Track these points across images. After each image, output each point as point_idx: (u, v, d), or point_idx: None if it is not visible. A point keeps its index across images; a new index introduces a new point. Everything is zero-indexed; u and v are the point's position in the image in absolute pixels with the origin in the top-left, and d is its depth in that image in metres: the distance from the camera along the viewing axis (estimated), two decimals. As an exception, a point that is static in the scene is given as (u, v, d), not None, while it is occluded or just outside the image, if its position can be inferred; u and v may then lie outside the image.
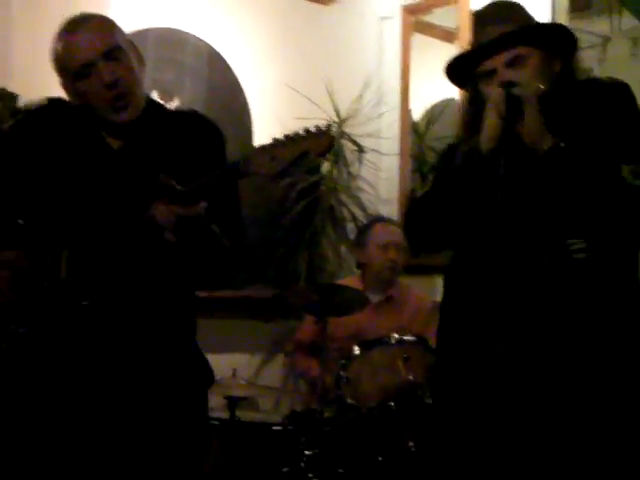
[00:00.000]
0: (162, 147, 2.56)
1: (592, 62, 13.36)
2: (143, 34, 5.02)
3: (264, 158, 2.23)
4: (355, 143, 5.59)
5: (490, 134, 2.51)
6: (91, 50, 2.48)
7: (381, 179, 5.69)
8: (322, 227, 5.44)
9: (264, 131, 5.52)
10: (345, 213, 5.53)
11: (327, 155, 5.30)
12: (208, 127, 2.69)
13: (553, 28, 2.75)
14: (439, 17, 5.85)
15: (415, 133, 5.81)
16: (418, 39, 5.85)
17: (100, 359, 2.46)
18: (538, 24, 2.73)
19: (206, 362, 2.68)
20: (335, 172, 5.58)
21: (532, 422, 2.48)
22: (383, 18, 5.90)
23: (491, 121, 2.51)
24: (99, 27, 2.55)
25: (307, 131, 2.27)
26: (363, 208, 5.50)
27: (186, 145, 2.57)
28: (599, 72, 12.53)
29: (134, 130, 2.56)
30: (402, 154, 5.66)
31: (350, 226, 5.47)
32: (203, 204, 2.28)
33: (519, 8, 2.73)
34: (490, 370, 2.53)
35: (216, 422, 4.14)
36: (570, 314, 2.50)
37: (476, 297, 2.60)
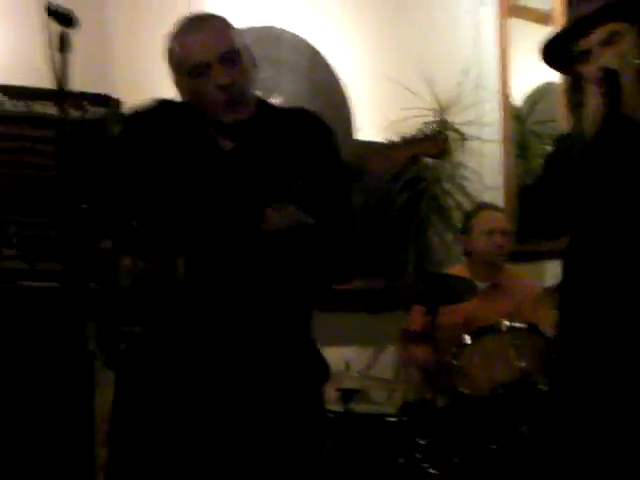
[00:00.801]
0: (274, 147, 2.56)
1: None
2: (241, 33, 5.09)
3: (380, 159, 2.27)
4: (457, 131, 5.57)
5: (593, 117, 2.49)
6: (208, 51, 2.50)
7: (484, 166, 5.67)
8: (428, 217, 5.45)
9: (365, 124, 5.57)
10: (450, 202, 5.53)
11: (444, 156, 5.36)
12: (319, 124, 2.67)
13: None
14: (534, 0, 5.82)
15: (516, 118, 5.77)
16: (514, 23, 5.81)
17: (218, 358, 2.50)
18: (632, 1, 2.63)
19: (322, 358, 2.69)
20: (438, 161, 5.57)
21: None
22: (480, 4, 5.87)
23: (592, 103, 2.49)
24: (217, 28, 2.57)
25: (423, 134, 2.30)
26: (468, 196, 5.49)
27: (298, 144, 2.56)
28: None
29: (245, 130, 2.57)
30: (504, 140, 5.64)
31: (456, 214, 5.46)
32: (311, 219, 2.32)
33: None
34: (612, 358, 2.50)
35: (331, 415, 4.18)
36: None
37: (596, 282, 2.57)
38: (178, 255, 2.48)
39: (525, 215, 2.80)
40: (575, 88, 2.68)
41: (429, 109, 5.56)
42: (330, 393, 4.15)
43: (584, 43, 2.59)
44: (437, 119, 5.54)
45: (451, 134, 5.57)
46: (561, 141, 2.80)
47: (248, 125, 2.56)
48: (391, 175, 2.32)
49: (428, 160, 5.40)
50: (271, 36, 5.43)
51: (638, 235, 2.52)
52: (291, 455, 2.54)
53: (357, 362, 5.04)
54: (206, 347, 2.50)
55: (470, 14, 5.91)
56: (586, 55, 2.59)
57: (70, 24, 2.41)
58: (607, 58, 2.53)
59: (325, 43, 5.60)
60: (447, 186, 5.55)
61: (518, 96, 5.82)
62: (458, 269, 4.83)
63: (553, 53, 2.72)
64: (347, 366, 4.32)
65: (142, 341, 2.52)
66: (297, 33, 5.52)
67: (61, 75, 2.42)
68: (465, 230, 4.88)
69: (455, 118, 5.58)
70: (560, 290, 2.77)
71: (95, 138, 4.30)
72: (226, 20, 2.63)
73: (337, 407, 4.20)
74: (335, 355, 4.25)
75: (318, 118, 2.70)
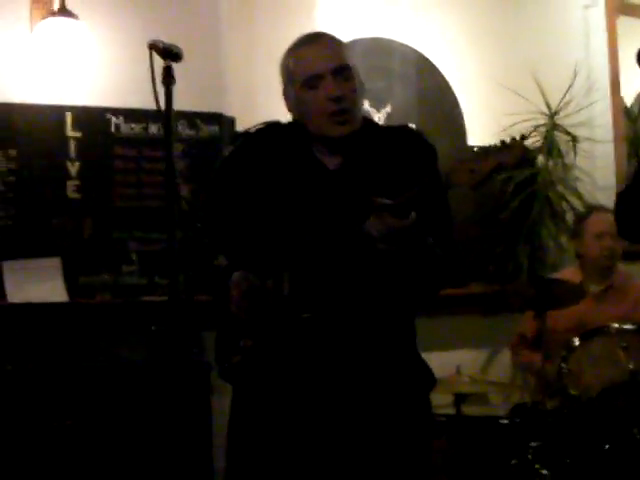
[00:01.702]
0: (377, 164, 2.65)
1: None
2: (351, 45, 5.20)
3: (464, 171, 2.37)
4: (568, 133, 5.59)
5: None
6: (323, 63, 2.63)
7: (597, 167, 5.67)
8: (540, 219, 5.48)
9: (477, 129, 5.63)
10: (563, 204, 5.55)
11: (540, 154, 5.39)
12: (421, 142, 2.75)
13: None
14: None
15: (628, 118, 5.75)
16: (624, 22, 5.79)
17: (327, 371, 2.60)
18: None
19: (426, 366, 2.77)
20: (550, 164, 5.61)
21: None
22: (586, 6, 5.87)
23: None
24: (331, 44, 2.71)
25: (502, 143, 2.37)
26: (581, 197, 5.50)
27: (400, 161, 2.64)
28: None
29: (351, 146, 2.67)
30: (616, 140, 5.62)
31: (569, 216, 5.48)
32: (413, 215, 2.38)
33: None
34: None
35: (443, 418, 4.28)
36: None
37: None
38: (284, 270, 2.59)
39: (618, 219, 2.82)
40: None
41: (539, 112, 5.60)
42: (443, 397, 4.26)
43: None
44: (547, 122, 5.59)
45: (562, 137, 5.61)
46: None
47: (354, 141, 2.66)
48: (476, 183, 2.37)
49: (541, 162, 5.49)
50: (380, 47, 5.53)
51: None
52: (401, 463, 2.62)
53: (473, 365, 5.13)
54: (315, 360, 2.61)
55: (579, 16, 5.91)
56: None
57: (175, 58, 2.55)
58: None
59: (433, 51, 5.68)
60: (560, 188, 5.57)
61: (629, 95, 5.80)
62: (571, 272, 4.86)
63: None
64: (458, 370, 4.39)
65: (254, 354, 2.64)
66: (405, 42, 5.61)
67: (166, 104, 2.56)
68: (576, 233, 4.91)
69: (566, 120, 5.60)
70: None
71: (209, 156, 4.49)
72: (339, 39, 2.76)
73: (450, 410, 4.29)
74: (449, 359, 4.39)
75: (421, 136, 2.80)
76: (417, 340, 2.77)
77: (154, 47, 2.52)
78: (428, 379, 2.77)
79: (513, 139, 2.37)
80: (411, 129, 2.96)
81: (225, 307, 2.65)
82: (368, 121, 2.79)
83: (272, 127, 2.82)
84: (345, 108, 2.62)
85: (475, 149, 2.45)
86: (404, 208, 2.37)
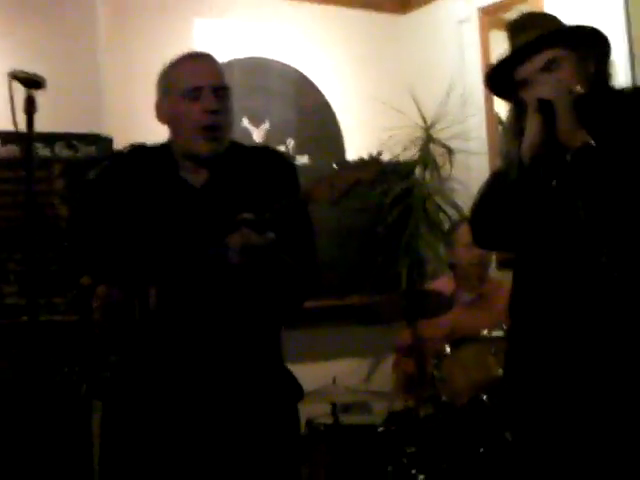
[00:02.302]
0: (241, 183, 2.76)
1: None
2: (229, 65, 5.29)
3: (324, 187, 2.48)
4: (444, 146, 5.73)
5: (531, 142, 2.57)
6: (205, 78, 2.74)
7: (472, 178, 5.77)
8: (418, 230, 5.61)
9: (356, 144, 5.75)
10: (440, 215, 5.69)
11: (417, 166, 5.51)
12: (281, 162, 2.92)
13: (585, 30, 2.71)
14: (517, 13, 5.91)
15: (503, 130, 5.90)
16: (497, 36, 5.93)
17: (192, 383, 2.66)
18: (569, 26, 2.72)
19: (293, 379, 2.85)
20: (427, 176, 5.75)
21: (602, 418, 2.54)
22: (461, 21, 6.02)
23: (531, 130, 2.57)
24: (215, 64, 2.83)
25: (359, 159, 2.48)
26: (457, 208, 5.63)
27: (262, 180, 2.77)
28: None
29: (216, 164, 2.77)
30: (491, 152, 5.75)
31: (446, 227, 5.61)
32: (271, 234, 2.50)
33: (552, 17, 2.79)
34: (560, 364, 2.63)
35: (322, 427, 4.37)
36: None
37: (542, 302, 2.69)
38: (150, 285, 2.65)
39: (472, 228, 2.90)
40: (517, 115, 2.75)
41: (416, 126, 5.74)
42: (323, 407, 4.36)
43: (524, 71, 2.66)
44: (424, 135, 5.73)
45: (438, 149, 5.76)
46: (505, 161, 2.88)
47: (220, 159, 2.77)
48: (335, 198, 2.48)
49: (417, 175, 5.62)
50: (259, 66, 5.65)
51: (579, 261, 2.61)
52: (269, 472, 2.71)
53: (355, 375, 5.24)
54: (181, 373, 2.67)
55: (453, 32, 6.05)
56: (526, 82, 2.67)
57: (37, 86, 2.61)
58: (542, 88, 2.60)
59: (313, 69, 5.81)
60: (436, 200, 5.71)
61: (503, 108, 5.93)
62: (444, 282, 4.99)
63: (497, 82, 2.80)
64: (334, 380, 4.47)
65: (121, 369, 2.69)
66: (284, 61, 5.72)
67: (27, 130, 2.61)
68: (448, 243, 5.04)
69: (442, 133, 5.75)
70: (510, 299, 2.88)
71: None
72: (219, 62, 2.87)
73: (328, 420, 4.38)
74: (329, 369, 4.47)
75: (282, 156, 3.01)
76: (295, 351, 2.85)
77: (15, 76, 2.58)
78: (294, 390, 2.85)
79: (370, 156, 2.48)
80: (273, 149, 3.10)
81: (90, 324, 2.70)
82: (234, 142, 2.88)
83: (137, 149, 2.91)
84: (219, 124, 2.73)
85: (334, 165, 2.56)
86: (264, 224, 2.48)
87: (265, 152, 2.98)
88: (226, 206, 2.66)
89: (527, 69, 2.67)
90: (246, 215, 2.50)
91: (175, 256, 2.65)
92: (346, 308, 5.36)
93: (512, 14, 5.91)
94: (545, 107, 2.55)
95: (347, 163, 2.56)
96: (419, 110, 5.76)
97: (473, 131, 5.80)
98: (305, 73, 5.79)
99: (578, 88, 2.58)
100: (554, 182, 2.59)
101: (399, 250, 5.58)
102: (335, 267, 5.44)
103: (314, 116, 5.77)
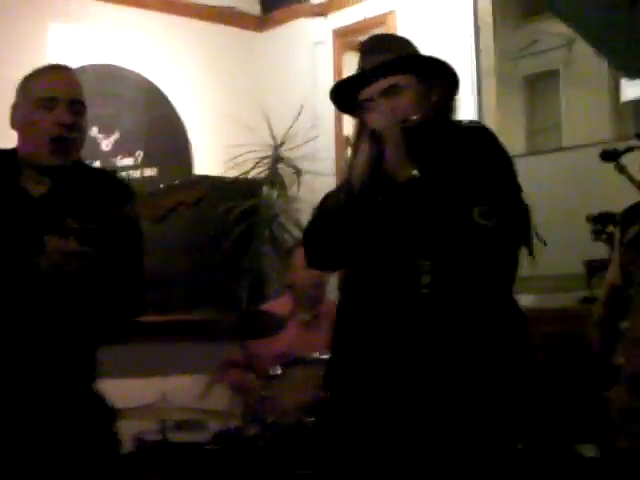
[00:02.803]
0: (78, 199, 2.73)
1: (558, 64, 13.32)
2: (80, 70, 5.21)
3: (149, 205, 2.48)
4: (292, 166, 5.76)
5: (359, 170, 2.58)
6: (64, 90, 2.72)
7: (319, 199, 5.83)
8: (261, 250, 5.62)
9: (206, 159, 5.74)
10: (285, 235, 5.70)
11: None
12: (114, 182, 2.94)
13: (432, 60, 2.71)
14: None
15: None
16: (352, 58, 5.99)
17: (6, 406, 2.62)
18: (417, 55, 2.74)
19: (104, 401, 2.81)
20: (274, 195, 5.76)
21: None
22: (316, 43, 6.07)
23: (360, 157, 2.59)
24: (73, 77, 2.81)
25: (183, 181, 2.49)
26: (302, 229, 5.64)
27: (98, 200, 2.72)
28: (566, 73, 12.51)
29: (58, 176, 2.74)
30: (338, 174, 5.80)
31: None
32: (89, 248, 2.49)
33: (405, 41, 2.79)
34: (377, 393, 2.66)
35: (150, 445, 4.33)
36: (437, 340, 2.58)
37: (363, 320, 2.71)
38: None
39: (304, 246, 2.91)
40: (359, 135, 2.72)
41: (266, 144, 5.76)
42: (151, 424, 4.32)
43: (365, 94, 2.66)
44: (272, 154, 5.75)
45: (287, 169, 5.78)
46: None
47: (62, 172, 2.74)
48: (158, 217, 2.49)
49: (264, 193, 5.64)
50: (110, 73, 5.59)
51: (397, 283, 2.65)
52: None
53: (189, 392, 5.19)
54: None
55: (308, 53, 6.10)
56: (366, 106, 2.67)
57: None
58: (375, 116, 2.61)
59: (166, 80, 5.77)
60: (282, 219, 5.73)
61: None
62: (282, 302, 4.98)
63: (342, 99, 2.79)
64: (164, 397, 4.45)
65: None
66: (137, 71, 5.67)
67: None
68: (286, 264, 5.05)
69: (291, 153, 5.78)
70: (337, 314, 2.89)
71: None
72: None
73: (156, 437, 4.34)
74: (160, 385, 4.43)
75: (115, 176, 3.07)
76: (127, 365, 2.81)
77: None
78: (107, 412, 2.82)
79: (198, 177, 2.48)
80: (106, 171, 3.17)
81: None
82: (78, 161, 2.86)
83: None
84: (69, 138, 2.71)
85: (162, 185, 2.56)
86: (88, 234, 2.47)
87: (104, 175, 3.01)
88: (60, 218, 2.61)
89: (368, 92, 2.66)
90: (71, 222, 2.49)
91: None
92: (184, 324, 5.33)
93: (366, 37, 6.01)
94: (375, 136, 2.57)
95: (173, 185, 2.56)
96: (270, 129, 5.77)
97: (322, 152, 5.85)
98: (157, 84, 5.75)
99: (414, 118, 2.59)
100: (381, 204, 2.62)
101: (242, 268, 5.57)
102: (174, 284, 5.42)
103: (164, 128, 5.74)
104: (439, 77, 2.70)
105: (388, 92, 2.64)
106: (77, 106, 2.74)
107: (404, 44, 2.78)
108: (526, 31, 13.66)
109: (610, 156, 3.66)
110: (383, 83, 2.64)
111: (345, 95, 2.77)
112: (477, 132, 2.72)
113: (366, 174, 2.59)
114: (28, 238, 2.60)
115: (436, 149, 2.60)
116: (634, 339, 3.55)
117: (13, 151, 2.81)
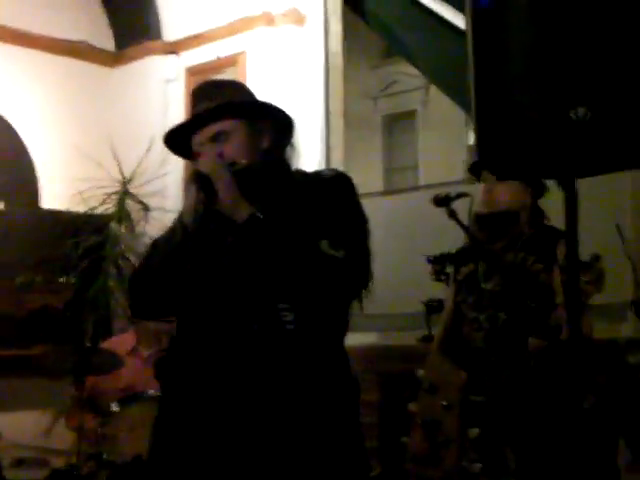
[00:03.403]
0: None
1: (416, 104, 13.62)
2: None
3: None
4: (140, 202, 5.75)
5: (190, 212, 2.60)
6: None
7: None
8: (107, 285, 5.58)
9: (53, 192, 5.69)
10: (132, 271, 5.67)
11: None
12: None
13: (262, 104, 2.75)
14: (227, 76, 6.05)
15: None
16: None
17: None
18: (245, 100, 2.76)
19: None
20: (121, 231, 5.74)
21: None
22: (167, 80, 6.10)
23: (187, 201, 2.55)
24: None
25: None
26: (149, 265, 5.64)
27: None
28: (423, 114, 12.84)
29: None
30: (186, 210, 5.81)
31: (138, 283, 5.60)
32: None
33: (238, 86, 2.84)
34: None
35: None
36: (278, 381, 2.64)
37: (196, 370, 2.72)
38: None
39: (131, 298, 2.88)
40: (190, 178, 2.80)
41: (115, 180, 5.74)
42: None
43: (196, 139, 2.67)
44: (121, 190, 5.74)
45: (135, 205, 5.77)
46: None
47: None
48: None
49: (112, 229, 5.61)
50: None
51: (233, 325, 2.66)
52: None
53: (35, 428, 5.11)
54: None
55: (160, 90, 6.13)
56: (197, 150, 2.66)
57: None
58: (203, 161, 2.61)
59: (14, 111, 5.72)
60: (129, 255, 5.70)
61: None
62: (125, 337, 4.96)
63: (175, 144, 2.86)
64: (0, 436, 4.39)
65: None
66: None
67: None
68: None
69: (140, 189, 5.77)
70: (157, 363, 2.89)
71: None
72: None
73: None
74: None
75: None
76: None
77: None
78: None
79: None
80: None
81: None
82: None
83: None
84: None
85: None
86: None
87: None
88: None
89: (197, 139, 2.71)
90: None
91: None
92: (22, 360, 5.24)
93: (220, 75, 6.07)
94: (203, 180, 2.60)
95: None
96: (118, 164, 5.75)
97: (171, 189, 5.86)
98: (4, 115, 5.68)
99: (243, 162, 2.61)
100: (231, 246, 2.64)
101: (86, 303, 5.52)
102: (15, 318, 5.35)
103: (10, 159, 5.68)
104: (270, 121, 2.72)
105: (216, 138, 2.66)
106: None
107: (236, 89, 2.82)
108: (385, 72, 14.04)
109: (441, 202, 3.76)
110: (210, 129, 2.66)
111: (181, 140, 2.84)
112: (331, 178, 2.77)
113: (193, 217, 2.62)
114: None
115: (270, 189, 2.64)
116: (427, 387, 3.70)
117: None
